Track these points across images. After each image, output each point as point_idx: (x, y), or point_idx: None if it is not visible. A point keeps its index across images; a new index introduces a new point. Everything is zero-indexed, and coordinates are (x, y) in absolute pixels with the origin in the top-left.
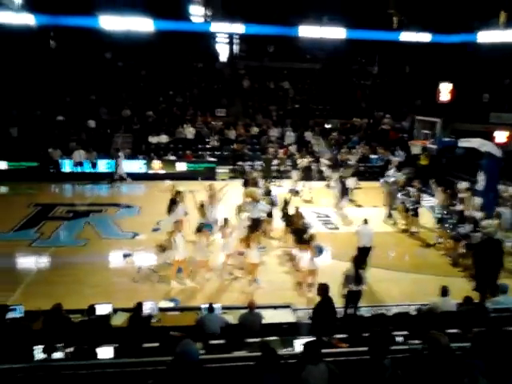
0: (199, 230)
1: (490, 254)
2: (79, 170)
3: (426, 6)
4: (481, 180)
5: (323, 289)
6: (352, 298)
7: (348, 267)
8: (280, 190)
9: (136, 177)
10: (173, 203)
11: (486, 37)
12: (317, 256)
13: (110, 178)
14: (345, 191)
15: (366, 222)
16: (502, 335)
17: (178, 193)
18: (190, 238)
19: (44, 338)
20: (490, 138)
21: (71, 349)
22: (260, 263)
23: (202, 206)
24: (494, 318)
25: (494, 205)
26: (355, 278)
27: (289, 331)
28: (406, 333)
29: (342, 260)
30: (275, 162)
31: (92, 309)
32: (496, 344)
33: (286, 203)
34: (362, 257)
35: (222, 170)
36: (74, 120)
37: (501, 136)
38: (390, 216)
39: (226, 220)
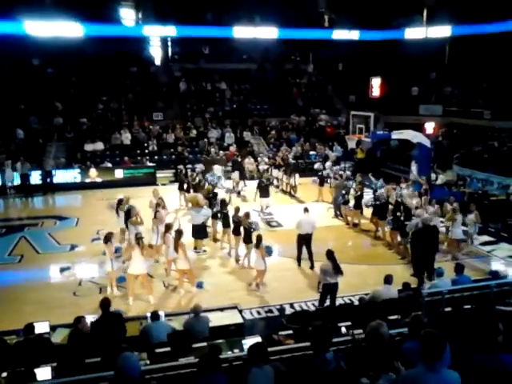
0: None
1: (426, 240)
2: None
3: (354, 5)
4: (414, 169)
5: (103, 304)
6: (329, 291)
7: (325, 262)
8: (222, 191)
9: (71, 186)
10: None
11: (412, 33)
12: (267, 256)
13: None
14: (264, 191)
15: (307, 210)
16: (438, 317)
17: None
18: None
19: None
20: (421, 130)
21: (5, 373)
22: (191, 268)
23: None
24: (430, 301)
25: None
26: (334, 269)
27: (237, 332)
28: (349, 323)
29: (288, 257)
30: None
31: (29, 328)
32: (430, 326)
33: (225, 204)
34: (303, 242)
35: (162, 175)
36: (1, 131)
37: (430, 127)
38: (337, 210)
39: (168, 226)
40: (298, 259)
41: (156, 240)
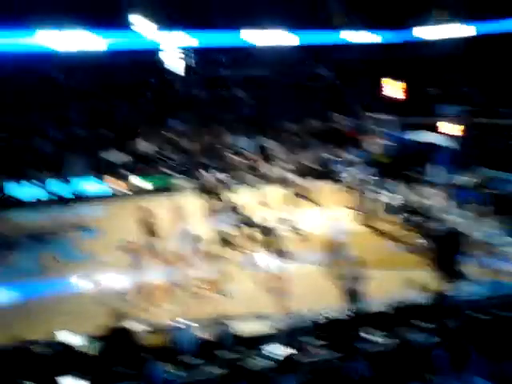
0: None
1: (451, 243)
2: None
3: (368, 6)
4: (432, 171)
5: (116, 316)
6: (356, 298)
7: (353, 268)
8: (245, 197)
9: (96, 197)
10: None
11: (429, 33)
12: (285, 262)
13: None
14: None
15: (335, 218)
16: (467, 323)
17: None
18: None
19: (7, 375)
20: (440, 130)
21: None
22: (222, 276)
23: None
24: (458, 307)
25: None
26: (354, 277)
27: (265, 341)
28: (378, 331)
29: (315, 263)
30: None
31: (60, 338)
32: (461, 332)
33: (244, 211)
34: (337, 251)
35: (183, 183)
36: (24, 144)
37: (448, 127)
38: (359, 215)
39: (193, 236)
40: (331, 268)
41: (180, 247)
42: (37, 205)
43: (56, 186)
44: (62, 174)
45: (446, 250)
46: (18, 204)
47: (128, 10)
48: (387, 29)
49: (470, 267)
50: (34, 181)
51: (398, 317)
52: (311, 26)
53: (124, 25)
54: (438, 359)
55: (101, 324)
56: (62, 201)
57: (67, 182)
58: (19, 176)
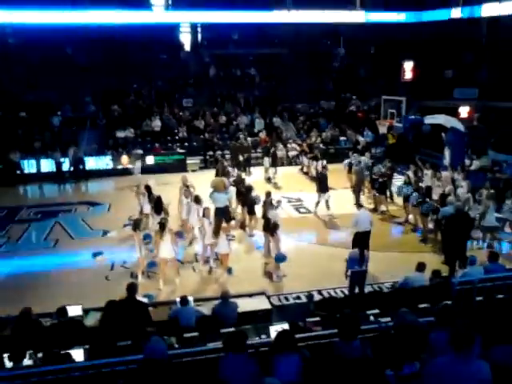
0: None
1: (459, 227)
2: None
3: None
4: (447, 155)
5: (128, 288)
6: (358, 279)
7: (352, 249)
8: (251, 177)
9: (104, 173)
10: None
11: (452, 13)
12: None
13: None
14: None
15: (361, 206)
16: (469, 307)
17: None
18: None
19: (13, 345)
20: (455, 114)
21: (40, 354)
22: (229, 252)
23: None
24: (461, 290)
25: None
26: (359, 258)
27: (264, 318)
28: (377, 311)
29: (317, 243)
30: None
31: (62, 311)
32: (461, 316)
33: (250, 191)
34: (363, 240)
35: (192, 161)
36: (37, 119)
37: (464, 111)
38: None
39: (204, 210)
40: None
41: (187, 225)
42: (49, 180)
43: (67, 162)
44: (73, 150)
45: (453, 234)
46: (31, 179)
47: None
48: (405, 9)
49: (477, 251)
50: (46, 157)
51: (402, 298)
52: (327, 5)
53: (137, 1)
54: (438, 340)
55: (107, 298)
56: (72, 176)
57: (78, 158)
58: (33, 152)
